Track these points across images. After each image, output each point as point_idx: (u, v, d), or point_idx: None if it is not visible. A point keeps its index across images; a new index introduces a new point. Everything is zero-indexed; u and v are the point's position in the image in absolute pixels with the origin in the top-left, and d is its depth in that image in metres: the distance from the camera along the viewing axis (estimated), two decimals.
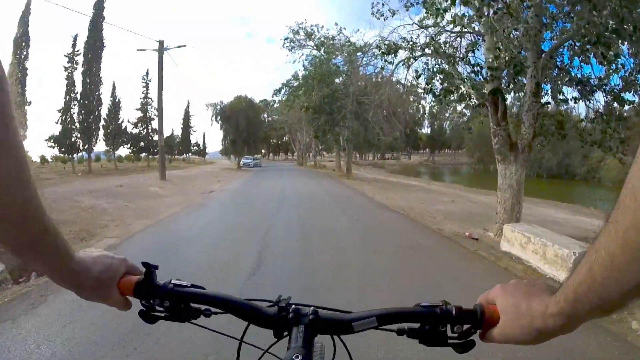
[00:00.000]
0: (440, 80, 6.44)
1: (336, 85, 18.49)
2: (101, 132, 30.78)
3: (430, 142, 75.74)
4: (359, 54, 19.93)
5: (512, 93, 6.59)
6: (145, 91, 39.19)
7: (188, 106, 58.78)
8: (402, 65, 8.24)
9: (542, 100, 6.25)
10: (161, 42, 18.52)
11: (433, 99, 6.77)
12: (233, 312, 0.57)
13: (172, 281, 0.57)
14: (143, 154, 36.92)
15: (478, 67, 6.48)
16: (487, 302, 0.51)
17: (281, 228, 6.68)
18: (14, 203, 0.40)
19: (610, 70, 5.82)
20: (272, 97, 19.91)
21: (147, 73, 39.58)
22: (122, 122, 33.79)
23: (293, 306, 0.56)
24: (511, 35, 5.72)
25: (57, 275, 0.52)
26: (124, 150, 36.94)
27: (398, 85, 21.02)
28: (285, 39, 18.89)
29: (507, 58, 5.78)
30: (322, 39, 17.85)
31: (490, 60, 6.01)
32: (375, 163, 59.93)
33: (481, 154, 45.33)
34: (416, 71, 8.26)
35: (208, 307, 0.57)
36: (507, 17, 5.34)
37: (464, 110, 6.91)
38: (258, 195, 12.38)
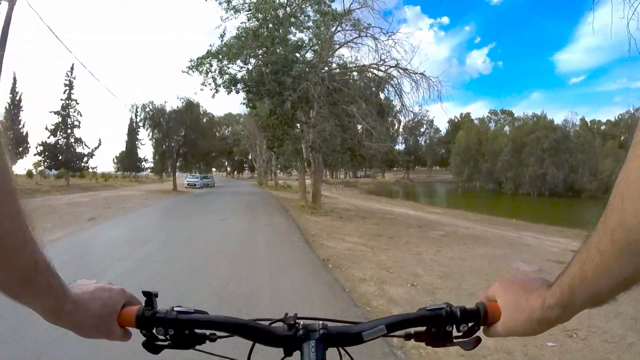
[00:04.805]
0: None
1: (291, 48, 10.64)
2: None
3: (406, 159, 70.54)
4: (334, 24, 12.88)
5: None
6: (67, 91, 30.27)
7: (135, 113, 46.26)
8: None
9: None
10: None
11: None
12: (240, 333, 0.54)
13: (175, 308, 0.53)
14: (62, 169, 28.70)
15: None
16: (488, 299, 0.52)
17: None
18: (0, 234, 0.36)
19: None
20: (185, 70, 11.45)
21: (72, 68, 30.43)
22: (23, 127, 26.44)
23: (301, 322, 0.54)
24: None
25: (54, 316, 0.46)
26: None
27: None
28: None
29: None
30: None
31: None
32: (348, 182, 52.98)
33: (470, 171, 39.66)
34: None
35: (213, 332, 0.54)
36: None
37: None
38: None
